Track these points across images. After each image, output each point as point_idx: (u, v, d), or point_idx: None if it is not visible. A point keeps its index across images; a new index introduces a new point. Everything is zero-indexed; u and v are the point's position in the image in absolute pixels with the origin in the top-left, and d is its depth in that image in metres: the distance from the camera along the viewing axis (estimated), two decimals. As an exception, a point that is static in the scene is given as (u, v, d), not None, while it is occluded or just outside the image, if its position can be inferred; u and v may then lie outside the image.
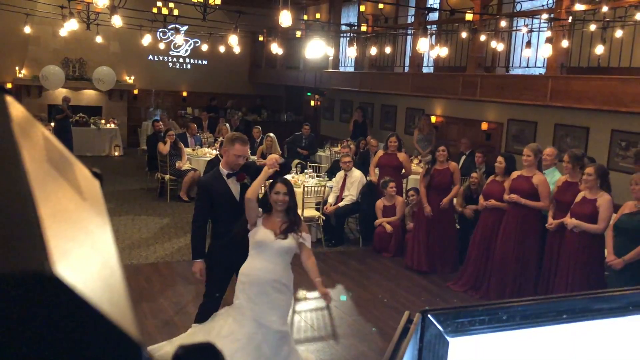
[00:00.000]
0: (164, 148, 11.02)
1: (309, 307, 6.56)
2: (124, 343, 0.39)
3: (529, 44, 8.38)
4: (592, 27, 8.00)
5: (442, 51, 9.28)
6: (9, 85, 15.97)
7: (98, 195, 0.58)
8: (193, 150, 12.13)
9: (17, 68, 16.10)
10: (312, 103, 18.41)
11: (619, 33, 7.96)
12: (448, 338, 1.02)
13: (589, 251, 5.79)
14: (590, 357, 1.20)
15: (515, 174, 6.69)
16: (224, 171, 4.50)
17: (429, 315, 0.99)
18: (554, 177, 6.76)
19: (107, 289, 0.42)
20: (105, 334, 0.39)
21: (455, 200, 8.03)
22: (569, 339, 1.16)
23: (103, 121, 16.37)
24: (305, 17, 18.07)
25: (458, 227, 8.40)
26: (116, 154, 16.19)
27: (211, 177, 4.59)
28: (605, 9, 8.19)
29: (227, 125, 13.42)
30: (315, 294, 6.95)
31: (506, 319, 1.04)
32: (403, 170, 8.81)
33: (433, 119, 12.78)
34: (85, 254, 0.44)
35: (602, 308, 1.22)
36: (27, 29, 13.61)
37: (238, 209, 4.37)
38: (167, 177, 10.97)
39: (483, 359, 1.07)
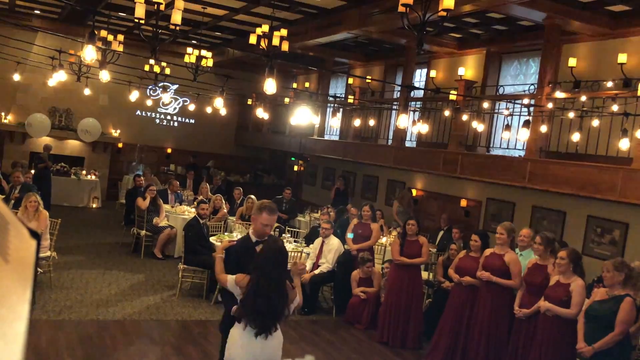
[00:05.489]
0: (143, 203, 10.93)
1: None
2: None
3: (508, 127, 8.60)
4: (571, 114, 8.25)
5: (423, 128, 9.49)
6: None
7: (28, 257, 0.56)
8: (172, 207, 12.04)
9: (2, 114, 16.12)
10: (296, 168, 18.56)
11: (595, 122, 8.21)
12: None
13: (561, 335, 5.75)
14: None
15: (488, 252, 6.76)
16: (253, 238, 4.53)
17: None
18: (530, 258, 6.78)
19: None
20: None
21: (429, 274, 8.00)
22: None
23: (84, 172, 16.29)
24: (294, 85, 18.54)
25: (430, 300, 8.34)
26: (94, 205, 16.02)
27: (241, 243, 4.59)
28: (583, 98, 8.48)
29: (207, 185, 13.40)
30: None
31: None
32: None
33: (414, 192, 12.90)
34: None
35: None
36: (17, 77, 13.69)
37: None
38: (142, 232, 10.82)
39: None
